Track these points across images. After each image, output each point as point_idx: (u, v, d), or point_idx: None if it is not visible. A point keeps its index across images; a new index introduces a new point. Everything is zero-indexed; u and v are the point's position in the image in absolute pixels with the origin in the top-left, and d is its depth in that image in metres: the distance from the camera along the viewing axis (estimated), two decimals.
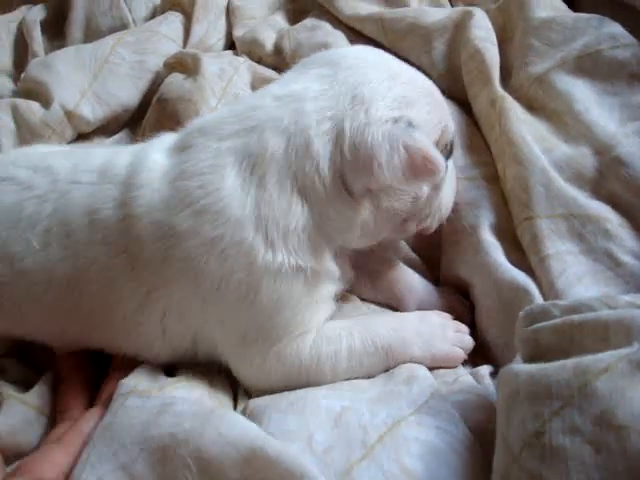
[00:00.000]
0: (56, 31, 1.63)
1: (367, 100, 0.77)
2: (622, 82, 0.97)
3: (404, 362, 0.83)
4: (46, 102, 1.33)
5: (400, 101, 0.78)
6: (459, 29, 1.14)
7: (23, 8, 1.70)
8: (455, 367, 0.85)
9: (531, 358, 0.64)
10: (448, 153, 0.87)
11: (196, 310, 0.81)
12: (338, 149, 0.76)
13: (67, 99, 1.32)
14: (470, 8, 1.17)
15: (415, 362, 0.83)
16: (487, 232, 0.92)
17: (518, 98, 1.05)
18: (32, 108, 1.30)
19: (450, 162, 0.89)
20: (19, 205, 0.87)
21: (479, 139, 1.02)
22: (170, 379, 0.82)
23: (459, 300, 0.97)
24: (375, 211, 0.81)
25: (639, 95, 0.94)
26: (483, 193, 0.96)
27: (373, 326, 0.85)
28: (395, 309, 0.97)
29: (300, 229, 0.77)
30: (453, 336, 0.87)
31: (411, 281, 0.99)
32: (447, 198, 0.91)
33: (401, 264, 1.00)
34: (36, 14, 1.63)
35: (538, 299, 0.81)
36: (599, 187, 0.89)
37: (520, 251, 0.89)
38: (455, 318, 0.91)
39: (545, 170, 0.89)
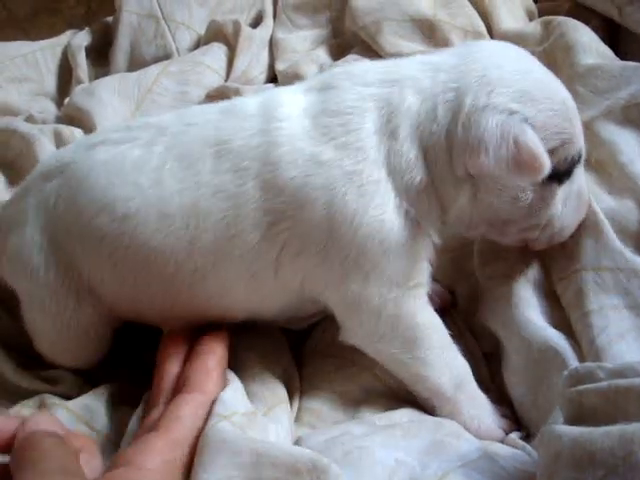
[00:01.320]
0: (101, 57, 1.64)
1: (493, 83, 0.78)
2: None
3: (453, 415, 0.84)
4: (89, 129, 1.33)
5: (524, 95, 0.78)
6: None
7: (69, 33, 1.71)
8: None
9: (574, 420, 0.62)
10: (567, 169, 0.83)
11: (318, 242, 0.81)
12: (454, 121, 0.78)
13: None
14: None
15: (461, 423, 0.84)
16: (521, 284, 0.91)
17: None
18: (75, 135, 1.31)
19: (576, 185, 0.86)
20: (119, 156, 0.86)
21: None
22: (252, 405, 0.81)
23: (440, 287, 1.02)
24: (472, 199, 0.82)
25: None
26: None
27: (463, 362, 0.88)
28: None
29: (420, 186, 0.81)
30: (499, 419, 0.86)
31: None
32: (564, 219, 0.87)
33: None
34: (81, 39, 1.63)
35: (570, 360, 0.80)
36: None
37: (557, 307, 0.89)
38: (441, 306, 0.97)
39: (596, 220, 0.88)
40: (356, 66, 0.91)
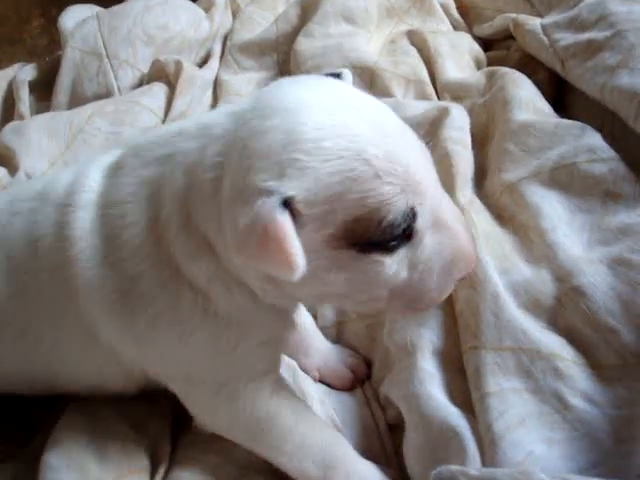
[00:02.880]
0: (45, 92, 1.61)
1: (253, 157, 0.62)
2: (596, 200, 0.91)
3: None
4: (14, 169, 1.30)
5: (288, 166, 0.61)
6: (433, 127, 1.09)
7: (16, 66, 1.70)
8: None
9: None
10: (391, 234, 0.65)
11: (135, 347, 0.77)
12: (219, 207, 0.65)
13: (34, 167, 1.30)
14: (448, 105, 1.12)
15: None
16: (427, 357, 0.84)
17: (490, 205, 1.00)
18: None
19: (429, 245, 0.69)
20: None
21: None
22: (99, 471, 0.78)
23: (359, 359, 0.98)
24: (269, 283, 0.69)
25: (612, 217, 0.88)
26: (434, 312, 0.88)
27: (335, 439, 0.81)
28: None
29: (210, 274, 0.71)
30: None
31: (313, 340, 0.98)
32: (420, 285, 0.70)
33: (306, 322, 0.98)
34: (27, 74, 1.62)
35: (468, 442, 0.74)
36: (556, 317, 0.82)
37: (464, 380, 0.82)
38: (355, 376, 0.95)
39: (497, 296, 0.82)
40: (147, 137, 0.79)
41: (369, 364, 1.00)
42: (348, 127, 0.63)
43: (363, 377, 0.98)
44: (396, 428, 0.89)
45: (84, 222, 0.75)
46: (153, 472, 0.82)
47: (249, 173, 0.61)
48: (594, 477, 0.63)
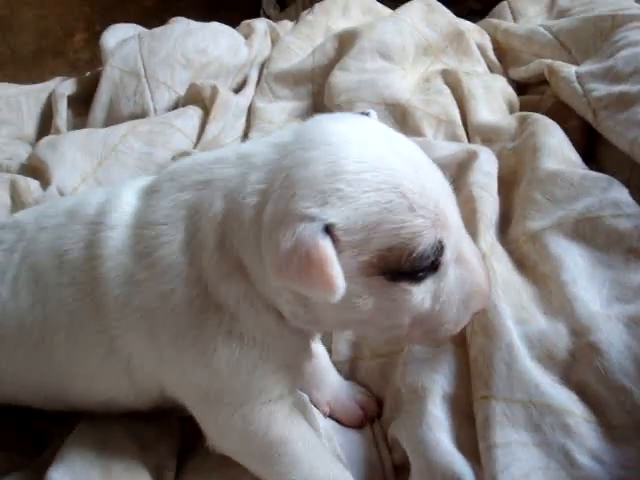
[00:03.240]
0: (83, 107, 1.64)
1: (295, 185, 0.67)
2: (619, 255, 0.91)
3: None
4: (46, 182, 1.33)
5: (330, 195, 0.65)
6: (461, 169, 1.10)
7: (57, 79, 1.73)
8: None
9: None
10: (418, 265, 0.69)
11: (155, 363, 0.80)
12: (259, 231, 0.69)
13: (66, 182, 1.32)
14: (477, 148, 1.13)
15: None
16: (437, 403, 0.84)
17: (512, 252, 1.00)
18: (30, 187, 1.30)
19: (451, 278, 0.73)
20: None
21: None
22: None
23: (370, 398, 0.98)
24: (304, 305, 0.72)
25: (633, 274, 0.88)
26: (447, 358, 0.88)
27: (341, 476, 0.82)
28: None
29: (240, 296, 0.74)
30: None
31: (326, 374, 0.99)
32: (440, 317, 0.74)
33: (320, 356, 0.98)
34: (66, 88, 1.65)
35: None
36: (570, 372, 0.81)
37: (473, 428, 0.81)
38: (365, 414, 0.96)
39: (512, 346, 0.82)
40: (184, 163, 0.83)
41: (380, 403, 0.99)
42: (385, 162, 0.68)
43: (373, 415, 0.98)
44: (402, 469, 0.89)
45: (115, 241, 0.78)
46: None
47: (292, 200, 0.66)
48: None
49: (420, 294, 0.71)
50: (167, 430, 0.91)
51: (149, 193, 0.81)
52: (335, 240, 0.65)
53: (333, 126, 0.73)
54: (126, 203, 0.82)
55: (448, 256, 0.72)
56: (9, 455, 0.90)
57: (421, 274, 0.70)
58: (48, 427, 0.97)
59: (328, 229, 0.65)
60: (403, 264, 0.68)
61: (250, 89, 1.57)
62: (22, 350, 0.85)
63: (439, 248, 0.70)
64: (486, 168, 1.07)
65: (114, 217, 0.80)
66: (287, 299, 0.72)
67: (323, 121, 0.75)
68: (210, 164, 0.78)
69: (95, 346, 0.81)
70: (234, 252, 0.73)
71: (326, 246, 0.64)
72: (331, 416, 0.98)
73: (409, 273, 0.69)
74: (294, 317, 0.74)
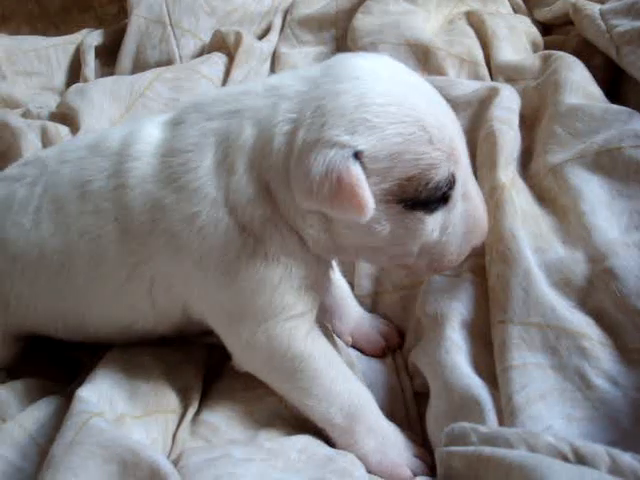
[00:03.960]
0: (110, 58, 1.67)
1: (327, 114, 0.72)
2: (637, 185, 0.90)
3: (351, 447, 0.82)
4: (75, 128, 1.35)
5: (359, 124, 0.71)
6: (482, 106, 1.10)
7: (84, 31, 1.75)
8: None
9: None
10: (433, 196, 0.75)
11: (181, 284, 0.83)
12: (290, 156, 0.74)
13: (95, 127, 1.34)
14: (498, 85, 1.12)
15: (361, 456, 0.81)
16: (455, 328, 0.86)
17: (533, 186, 1.00)
18: (60, 133, 1.33)
19: (458, 211, 0.79)
20: (11, 194, 0.92)
21: None
22: (127, 406, 0.82)
23: (392, 328, 1.02)
24: (326, 229, 0.78)
25: None
26: (465, 286, 0.91)
27: (363, 392, 0.85)
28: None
29: (265, 218, 0.77)
30: (409, 457, 0.83)
31: (347, 305, 1.02)
32: (445, 247, 0.80)
33: (340, 287, 1.02)
34: (93, 39, 1.68)
35: (489, 412, 0.76)
36: (586, 298, 0.83)
37: (490, 354, 0.83)
38: (387, 344, 0.99)
39: (529, 272, 0.83)
40: (208, 95, 0.87)
41: (402, 334, 1.02)
42: (408, 97, 0.74)
43: (394, 345, 1.01)
44: (422, 396, 0.91)
45: (139, 171, 0.82)
46: (182, 414, 0.86)
47: (323, 128, 0.71)
48: None
49: (431, 224, 0.77)
50: (193, 355, 0.94)
51: (174, 124, 0.84)
52: (363, 167, 0.71)
53: (360, 62, 0.78)
54: (149, 135, 0.84)
55: (457, 191, 0.78)
56: (43, 382, 0.94)
57: (434, 205, 0.76)
58: (81, 357, 1.00)
59: (357, 155, 0.70)
60: (420, 193, 0.74)
61: (274, 35, 1.58)
62: (43, 277, 0.89)
63: (451, 181, 0.76)
64: (507, 103, 1.07)
65: (137, 148, 0.83)
66: (311, 223, 0.77)
67: (350, 57, 0.80)
68: (238, 95, 0.82)
69: (117, 271, 0.84)
70: (262, 177, 0.77)
71: (357, 170, 0.69)
72: (354, 346, 1.01)
73: (424, 203, 0.75)
74: (315, 242, 0.78)
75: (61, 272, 0.87)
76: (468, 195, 0.80)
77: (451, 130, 0.76)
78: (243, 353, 0.84)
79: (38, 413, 0.83)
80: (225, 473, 0.72)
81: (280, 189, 0.76)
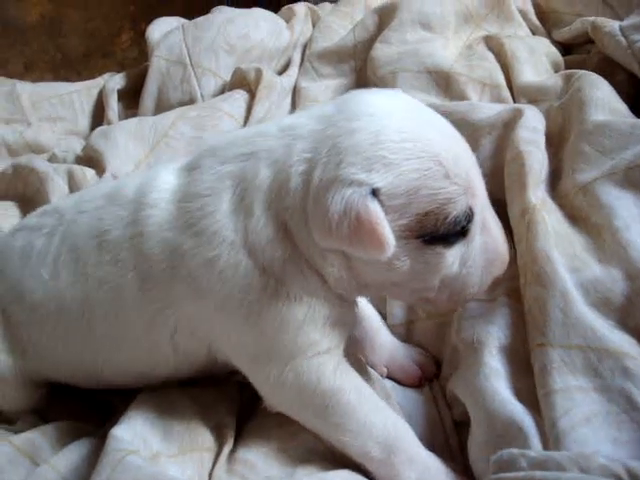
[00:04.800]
0: (132, 100, 1.70)
1: (342, 152, 0.72)
2: None
3: (393, 478, 0.79)
4: (101, 170, 1.37)
5: (375, 162, 0.71)
6: (507, 128, 1.09)
7: (106, 75, 1.78)
8: None
9: None
10: (452, 230, 0.75)
11: (205, 328, 0.84)
12: (307, 195, 0.74)
13: (120, 169, 1.37)
14: (522, 107, 1.11)
15: None
16: (493, 354, 0.84)
17: (563, 206, 0.98)
18: (86, 175, 1.35)
19: (478, 243, 0.80)
20: (29, 245, 0.93)
21: (510, 250, 0.94)
22: (161, 446, 0.81)
23: (427, 357, 1.00)
24: (346, 267, 0.78)
25: None
26: (501, 310, 0.89)
27: (399, 424, 0.82)
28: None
29: (285, 258, 0.77)
30: None
31: (379, 336, 1.00)
32: (465, 279, 0.80)
33: (370, 318, 1.00)
34: (115, 82, 1.71)
35: (533, 438, 0.73)
36: (626, 316, 0.80)
37: (531, 378, 0.81)
38: (423, 374, 0.97)
39: (566, 293, 0.81)
40: (223, 139, 0.87)
41: (438, 363, 1.00)
42: (423, 132, 0.74)
43: (431, 375, 0.98)
44: (462, 426, 0.89)
45: (156, 218, 0.82)
46: (217, 452, 0.85)
47: (340, 166, 0.71)
48: None
49: (451, 257, 0.77)
50: (225, 393, 0.93)
51: (189, 170, 0.85)
52: (380, 204, 0.71)
53: (373, 98, 0.79)
54: (165, 182, 0.85)
55: (475, 223, 0.78)
56: (75, 425, 0.94)
57: (453, 239, 0.77)
58: (112, 400, 1.00)
59: (374, 193, 0.70)
60: (438, 228, 0.74)
61: (294, 70, 1.60)
62: (61, 327, 0.90)
63: (469, 214, 0.76)
64: (532, 124, 1.06)
65: (153, 196, 0.84)
66: (331, 262, 0.77)
67: (362, 94, 0.81)
68: (252, 137, 0.82)
69: (137, 318, 0.85)
70: (280, 217, 0.77)
71: (376, 208, 0.70)
72: (389, 377, 0.99)
73: (443, 237, 0.75)
74: (336, 281, 0.78)
75: (80, 322, 0.88)
76: (487, 227, 0.80)
77: (467, 163, 0.77)
78: (272, 393, 0.83)
79: (71, 455, 0.83)
80: None
81: (299, 229, 0.76)
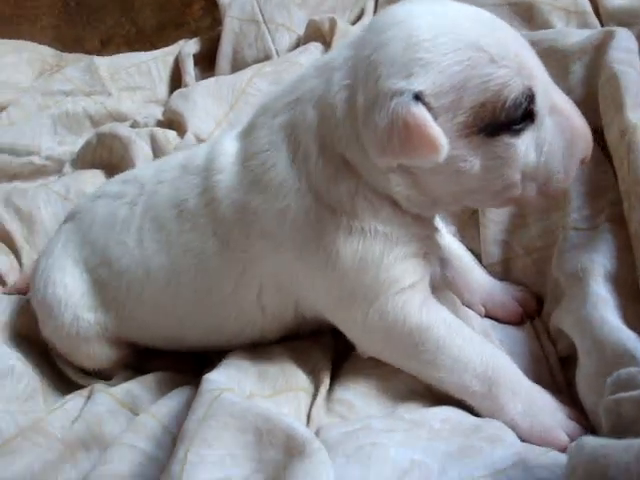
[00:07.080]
0: (208, 64, 1.70)
1: (379, 67, 0.70)
2: None
3: (497, 413, 0.77)
4: (182, 131, 1.38)
5: (412, 66, 0.69)
6: (599, 51, 1.02)
7: (180, 42, 1.79)
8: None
9: (614, 431, 0.56)
10: (513, 115, 0.71)
11: (288, 282, 0.84)
12: (355, 120, 0.73)
13: (201, 128, 1.37)
14: (613, 28, 1.05)
15: (509, 423, 0.76)
16: (600, 282, 0.80)
17: None
18: (168, 137, 1.37)
19: (550, 125, 0.74)
20: (113, 213, 0.96)
21: (610, 176, 0.90)
22: (256, 387, 0.82)
23: (528, 293, 0.96)
24: (414, 184, 0.76)
25: None
26: (605, 236, 0.84)
27: (497, 355, 0.80)
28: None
29: (352, 192, 0.77)
30: (563, 419, 0.76)
31: (471, 274, 0.98)
32: (548, 166, 0.75)
33: (460, 256, 0.98)
34: (190, 48, 1.71)
35: None
36: None
37: (637, 305, 0.77)
38: (523, 310, 0.94)
39: None
40: (271, 95, 0.88)
41: (539, 300, 0.96)
42: (456, 23, 0.71)
43: (532, 312, 0.95)
44: (568, 361, 0.86)
45: (225, 182, 0.84)
46: (314, 394, 0.84)
47: (378, 81, 0.70)
48: None
49: (523, 146, 0.73)
50: (320, 342, 0.93)
51: (248, 131, 0.86)
52: (429, 107, 0.68)
53: (398, 8, 0.76)
54: (228, 146, 0.87)
55: (540, 104, 0.73)
56: (173, 376, 0.96)
57: (519, 126, 0.72)
58: (207, 353, 1.01)
59: (418, 97, 0.68)
60: (499, 116, 0.70)
61: (367, 19, 1.56)
62: (147, 293, 0.93)
63: (529, 95, 0.71)
64: (625, 44, 1.00)
65: (220, 160, 0.85)
66: (397, 182, 0.75)
67: (390, 7, 0.79)
68: (294, 84, 0.83)
69: (223, 282, 0.86)
70: (336, 151, 0.77)
71: (420, 110, 0.67)
72: (488, 315, 0.95)
73: (507, 126, 0.71)
74: (408, 200, 0.77)
75: (167, 288, 0.91)
76: (556, 107, 0.75)
77: (514, 44, 0.72)
78: (361, 337, 0.83)
79: (170, 403, 0.84)
80: (367, 443, 0.70)
81: (357, 157, 0.75)
